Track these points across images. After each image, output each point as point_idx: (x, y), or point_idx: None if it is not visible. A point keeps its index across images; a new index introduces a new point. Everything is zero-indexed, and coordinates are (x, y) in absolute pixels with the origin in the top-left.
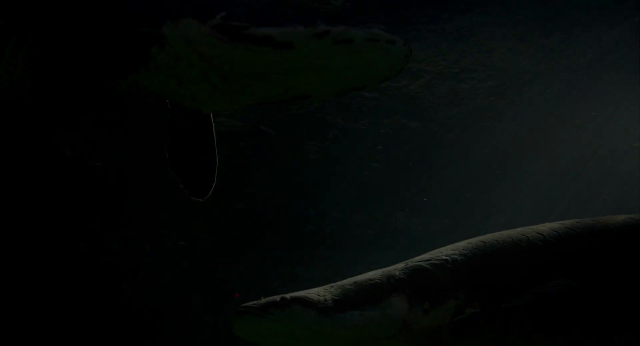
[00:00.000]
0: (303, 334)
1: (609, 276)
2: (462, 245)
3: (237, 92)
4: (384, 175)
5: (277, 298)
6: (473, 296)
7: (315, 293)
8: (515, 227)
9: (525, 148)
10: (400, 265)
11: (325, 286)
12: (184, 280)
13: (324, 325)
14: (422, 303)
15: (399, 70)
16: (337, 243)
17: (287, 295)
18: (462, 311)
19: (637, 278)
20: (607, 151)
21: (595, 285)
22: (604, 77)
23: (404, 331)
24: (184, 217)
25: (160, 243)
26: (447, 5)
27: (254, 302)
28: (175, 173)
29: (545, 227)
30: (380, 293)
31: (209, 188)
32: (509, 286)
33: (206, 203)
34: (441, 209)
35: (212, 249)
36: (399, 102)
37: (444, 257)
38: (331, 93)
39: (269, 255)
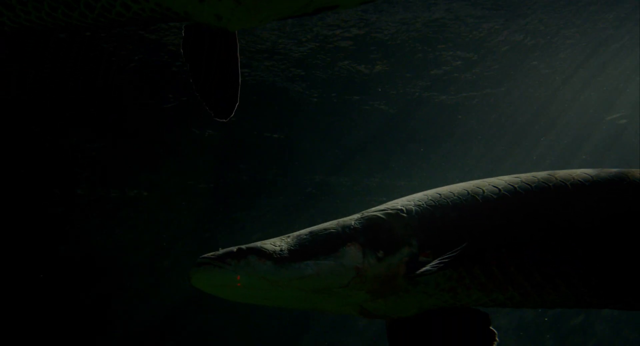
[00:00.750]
0: (259, 284)
1: (561, 229)
2: (418, 196)
3: (263, 6)
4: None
5: (234, 249)
6: (426, 245)
7: (271, 243)
8: None
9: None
10: (356, 216)
11: (282, 237)
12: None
13: (280, 275)
14: (376, 252)
15: None
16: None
17: (244, 246)
18: (415, 259)
19: (590, 231)
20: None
21: (547, 238)
22: None
23: (358, 279)
24: None
25: None
26: None
27: (212, 253)
28: (201, 96)
29: (501, 181)
30: (335, 243)
31: (233, 109)
32: (462, 236)
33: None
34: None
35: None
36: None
37: (399, 207)
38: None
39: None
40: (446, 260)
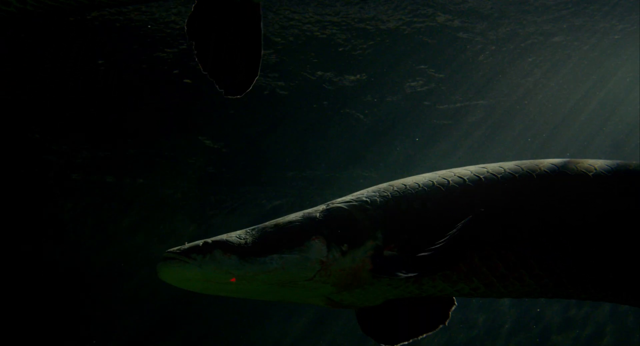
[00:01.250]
0: (225, 278)
1: (526, 219)
2: (383, 186)
3: None
4: None
5: (200, 243)
6: (391, 238)
7: (237, 236)
8: None
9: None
10: (321, 207)
11: (248, 229)
12: None
13: (245, 270)
14: (341, 245)
15: None
16: None
17: (209, 240)
18: (380, 252)
19: (555, 221)
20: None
21: (510, 228)
22: None
23: (323, 272)
24: None
25: None
26: None
27: (178, 248)
28: (211, 73)
29: (467, 171)
30: (300, 236)
31: (251, 83)
32: (427, 228)
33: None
34: None
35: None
36: None
37: (364, 199)
38: None
39: None
40: (411, 258)
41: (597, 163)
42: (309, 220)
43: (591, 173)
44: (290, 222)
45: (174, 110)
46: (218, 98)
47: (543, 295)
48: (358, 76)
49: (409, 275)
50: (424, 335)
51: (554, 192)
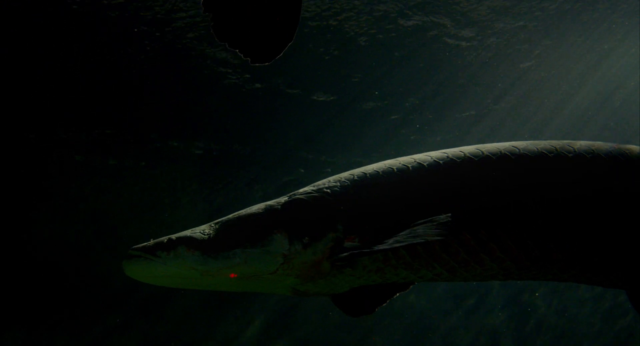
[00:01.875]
0: (190, 274)
1: (484, 204)
2: (345, 175)
3: None
4: None
5: (164, 239)
6: (352, 229)
7: (201, 231)
8: None
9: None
10: (283, 199)
11: (212, 223)
12: None
13: (209, 265)
14: (302, 238)
15: None
16: None
17: (174, 236)
18: (341, 244)
19: (514, 205)
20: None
21: (468, 214)
22: None
23: (285, 266)
24: None
25: None
26: None
27: (143, 245)
28: (234, 41)
29: (428, 157)
30: (262, 230)
31: (283, 49)
32: (388, 218)
33: None
34: None
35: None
36: None
37: (325, 190)
38: None
39: None
40: (365, 250)
41: (559, 145)
42: (270, 213)
43: (552, 154)
44: (252, 215)
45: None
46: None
47: (507, 277)
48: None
49: (363, 261)
50: (385, 303)
51: (513, 174)
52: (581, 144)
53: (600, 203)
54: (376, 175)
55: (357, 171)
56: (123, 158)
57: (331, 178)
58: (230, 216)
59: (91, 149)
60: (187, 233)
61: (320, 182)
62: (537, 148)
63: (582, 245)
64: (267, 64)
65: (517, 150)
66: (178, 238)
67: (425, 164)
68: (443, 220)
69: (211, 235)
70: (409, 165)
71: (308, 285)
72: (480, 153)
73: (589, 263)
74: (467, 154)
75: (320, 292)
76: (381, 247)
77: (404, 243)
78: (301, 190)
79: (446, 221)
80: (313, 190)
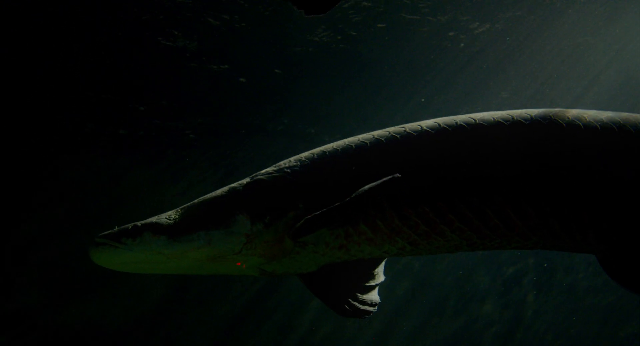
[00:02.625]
0: (156, 258)
1: (443, 176)
2: (305, 155)
3: None
4: None
5: (129, 226)
6: (313, 206)
7: (167, 217)
8: None
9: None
10: (245, 180)
11: (178, 209)
12: None
13: (174, 248)
14: (264, 218)
15: None
16: None
17: (139, 223)
18: (301, 220)
19: (469, 177)
20: None
21: (426, 188)
22: None
23: (248, 245)
24: None
25: None
26: None
27: (109, 231)
28: None
29: (387, 132)
30: (225, 212)
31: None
32: (347, 195)
33: None
34: None
35: None
36: None
37: (285, 170)
38: None
39: None
40: (318, 219)
41: (516, 113)
42: (233, 195)
43: (508, 123)
44: (215, 199)
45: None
46: None
47: (472, 247)
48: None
49: (313, 230)
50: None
51: (469, 145)
52: (538, 111)
53: (557, 168)
54: (335, 153)
55: (317, 150)
56: None
57: (292, 158)
58: (195, 201)
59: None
60: (153, 219)
61: (281, 162)
62: (494, 118)
63: (542, 211)
64: (322, 14)
65: (473, 121)
66: (143, 225)
67: (383, 139)
68: (386, 179)
69: (176, 220)
70: (368, 142)
71: (274, 264)
72: (437, 125)
73: (551, 229)
74: (424, 127)
75: (287, 271)
76: (331, 208)
77: (352, 202)
78: (263, 171)
79: (388, 179)
80: (274, 170)
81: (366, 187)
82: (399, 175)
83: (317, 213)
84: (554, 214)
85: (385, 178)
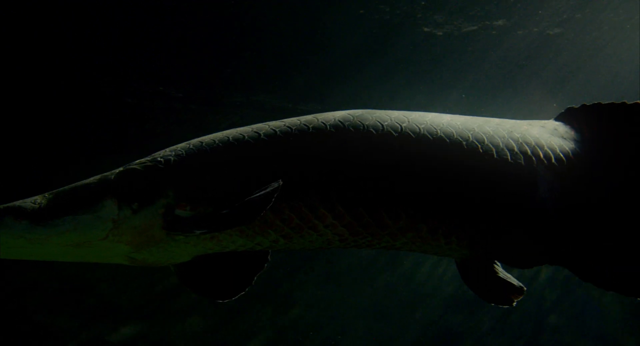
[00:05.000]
0: (18, 243)
1: (316, 171)
2: (181, 145)
3: None
4: None
5: None
6: (183, 196)
7: (32, 201)
8: None
9: None
10: (118, 169)
11: (45, 194)
12: None
13: (37, 233)
14: (132, 203)
15: None
16: None
17: (1, 206)
18: (172, 210)
19: (346, 172)
20: None
21: (302, 181)
22: None
23: (115, 231)
24: None
25: None
26: None
27: None
28: None
29: (266, 125)
30: (93, 197)
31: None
32: (223, 187)
33: None
34: None
35: None
36: None
37: (159, 159)
38: None
39: None
40: (203, 224)
41: (394, 115)
42: (103, 181)
43: (386, 123)
44: (86, 185)
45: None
46: None
47: (344, 244)
48: None
49: (198, 232)
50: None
51: (344, 141)
52: (416, 115)
53: (423, 177)
54: (211, 144)
55: (195, 140)
56: None
57: (168, 149)
58: (65, 187)
59: None
60: (16, 203)
61: (157, 153)
62: (372, 117)
63: (411, 215)
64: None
65: (351, 118)
66: (5, 208)
67: (261, 133)
68: (272, 188)
69: (42, 204)
70: (245, 134)
71: (143, 253)
72: (315, 120)
73: (419, 232)
74: (302, 122)
75: (159, 261)
76: (212, 216)
77: (227, 222)
78: (137, 161)
79: (273, 189)
80: (147, 160)
81: (253, 197)
82: (281, 183)
83: (196, 216)
84: (423, 219)
85: (270, 189)
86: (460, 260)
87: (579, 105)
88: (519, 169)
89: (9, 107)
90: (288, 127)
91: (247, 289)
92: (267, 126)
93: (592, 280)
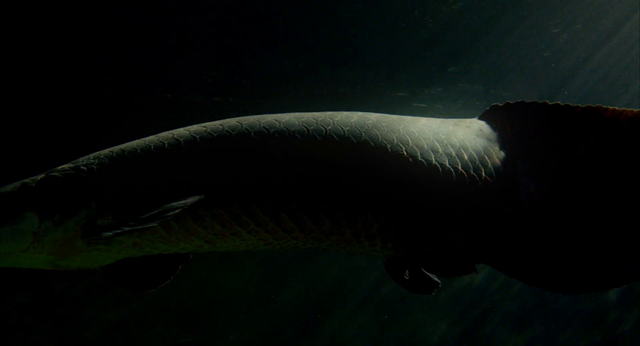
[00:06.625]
0: None
1: (238, 178)
2: (104, 152)
3: None
4: None
5: None
6: (106, 205)
7: None
8: None
9: None
10: (40, 176)
11: None
12: None
13: None
14: (53, 216)
15: None
16: None
17: None
18: (94, 222)
19: (265, 179)
20: None
21: (224, 188)
22: None
23: (36, 244)
24: None
25: None
26: None
27: None
28: None
29: (187, 131)
30: (13, 208)
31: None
32: (145, 196)
33: None
34: None
35: None
36: None
37: (81, 167)
38: None
39: None
40: (113, 229)
41: (320, 117)
42: (23, 191)
43: (311, 127)
44: (5, 194)
45: None
46: None
47: (270, 247)
48: None
49: (111, 233)
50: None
51: (266, 148)
52: (342, 116)
53: (346, 181)
54: (134, 152)
55: (117, 148)
56: None
57: (92, 155)
58: None
59: None
60: None
61: (80, 159)
62: (299, 122)
63: (335, 218)
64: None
65: (277, 124)
66: None
67: (182, 140)
68: (192, 201)
69: None
70: (166, 142)
71: (66, 260)
72: (239, 126)
73: (344, 235)
74: (225, 128)
75: (82, 266)
76: (128, 221)
77: (140, 226)
78: (59, 167)
79: (194, 200)
80: (70, 167)
81: (171, 206)
82: (203, 196)
83: (112, 223)
84: (347, 224)
85: (190, 200)
86: (386, 259)
87: (503, 103)
88: (445, 173)
89: (9, 107)
90: (209, 133)
91: (171, 278)
92: (188, 132)
93: (518, 276)
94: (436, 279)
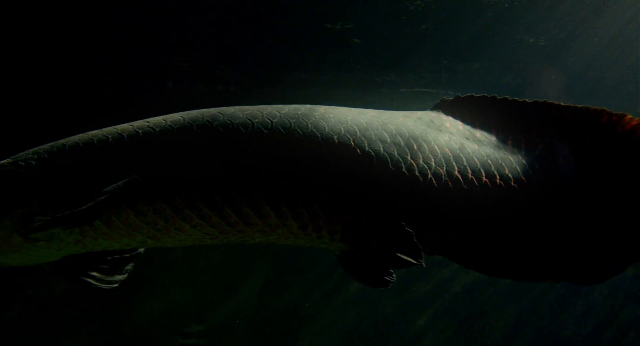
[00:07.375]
0: None
1: (180, 173)
2: (45, 146)
3: None
4: None
5: None
6: (44, 202)
7: None
8: None
9: None
10: None
11: None
12: None
13: None
14: None
15: None
16: None
17: None
18: (33, 219)
19: (211, 173)
20: None
21: (166, 183)
22: None
23: None
24: None
25: None
26: None
27: None
28: None
29: (130, 126)
30: None
31: None
32: (85, 191)
33: None
34: None
35: None
36: None
37: (20, 163)
38: None
39: None
40: (50, 222)
41: (266, 110)
42: None
43: (256, 121)
44: None
45: None
46: None
47: (216, 241)
48: None
49: (36, 226)
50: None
51: (208, 141)
52: (290, 109)
53: (294, 174)
54: (75, 147)
55: (59, 142)
56: None
57: (31, 150)
58: None
59: None
60: None
61: (19, 154)
62: (243, 115)
63: (280, 212)
64: None
65: (221, 117)
66: None
67: (124, 134)
68: (123, 182)
69: None
70: (109, 136)
71: (2, 259)
72: (182, 120)
73: (291, 228)
74: (168, 123)
75: (23, 263)
76: (66, 214)
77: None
78: (2, 161)
79: (125, 182)
80: (9, 163)
81: (107, 190)
82: (138, 178)
83: (49, 217)
84: (293, 216)
85: (123, 183)
86: (339, 252)
87: (452, 97)
88: (393, 163)
89: (9, 107)
90: (152, 128)
91: (126, 275)
92: (132, 127)
93: (474, 267)
94: (391, 271)
